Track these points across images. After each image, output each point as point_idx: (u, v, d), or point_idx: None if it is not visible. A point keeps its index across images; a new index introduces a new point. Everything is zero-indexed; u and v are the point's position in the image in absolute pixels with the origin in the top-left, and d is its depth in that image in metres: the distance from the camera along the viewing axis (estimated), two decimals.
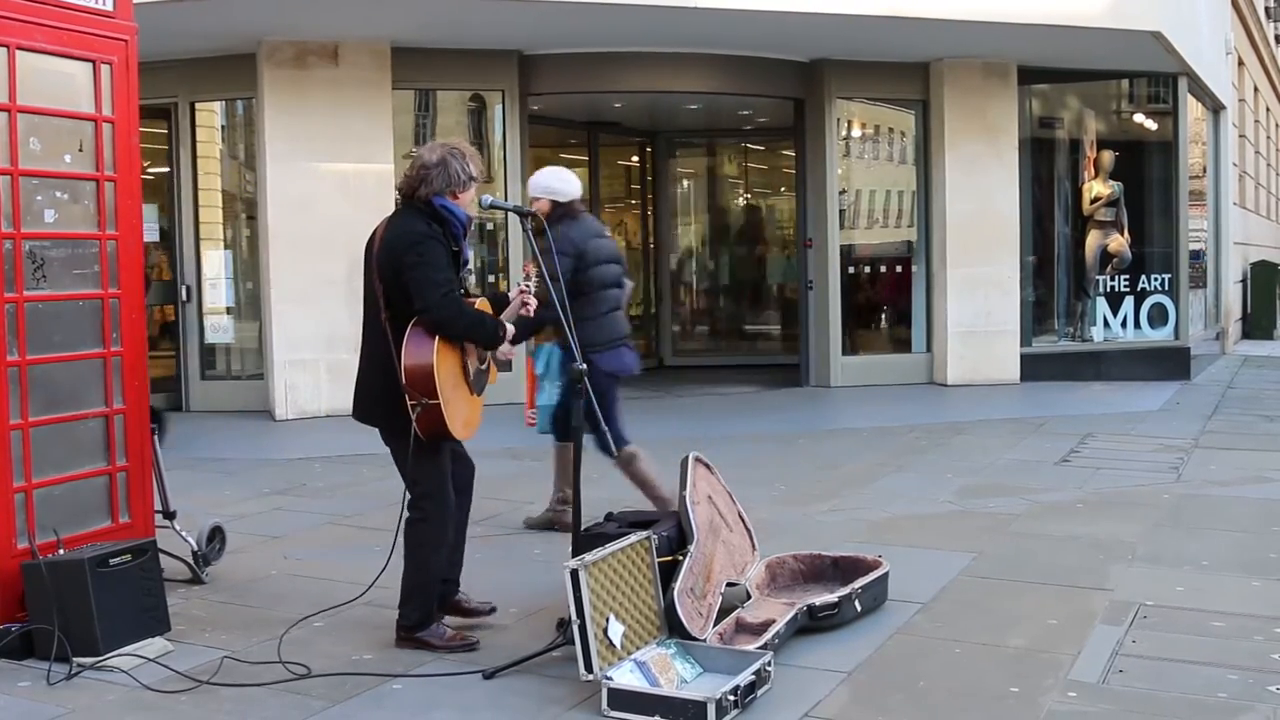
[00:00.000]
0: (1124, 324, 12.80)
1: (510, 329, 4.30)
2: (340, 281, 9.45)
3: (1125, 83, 13.65)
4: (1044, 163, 13.10)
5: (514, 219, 10.10)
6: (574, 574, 3.69)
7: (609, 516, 4.58)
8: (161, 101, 10.43)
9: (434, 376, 4.02)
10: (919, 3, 9.80)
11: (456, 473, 4.37)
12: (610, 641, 3.74)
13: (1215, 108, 15.16)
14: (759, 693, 3.70)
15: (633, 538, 4.02)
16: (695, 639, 3.99)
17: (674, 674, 3.80)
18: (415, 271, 4.04)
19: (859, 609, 4.48)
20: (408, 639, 4.26)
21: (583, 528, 4.15)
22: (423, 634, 4.24)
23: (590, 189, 13.52)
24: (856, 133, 12.69)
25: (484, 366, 4.32)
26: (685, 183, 15.65)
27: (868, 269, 12.62)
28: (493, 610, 4.49)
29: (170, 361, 10.80)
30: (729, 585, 4.47)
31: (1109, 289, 12.83)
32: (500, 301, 4.45)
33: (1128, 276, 12.84)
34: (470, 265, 4.48)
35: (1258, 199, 21.38)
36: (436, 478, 4.23)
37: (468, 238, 4.36)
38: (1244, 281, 17.90)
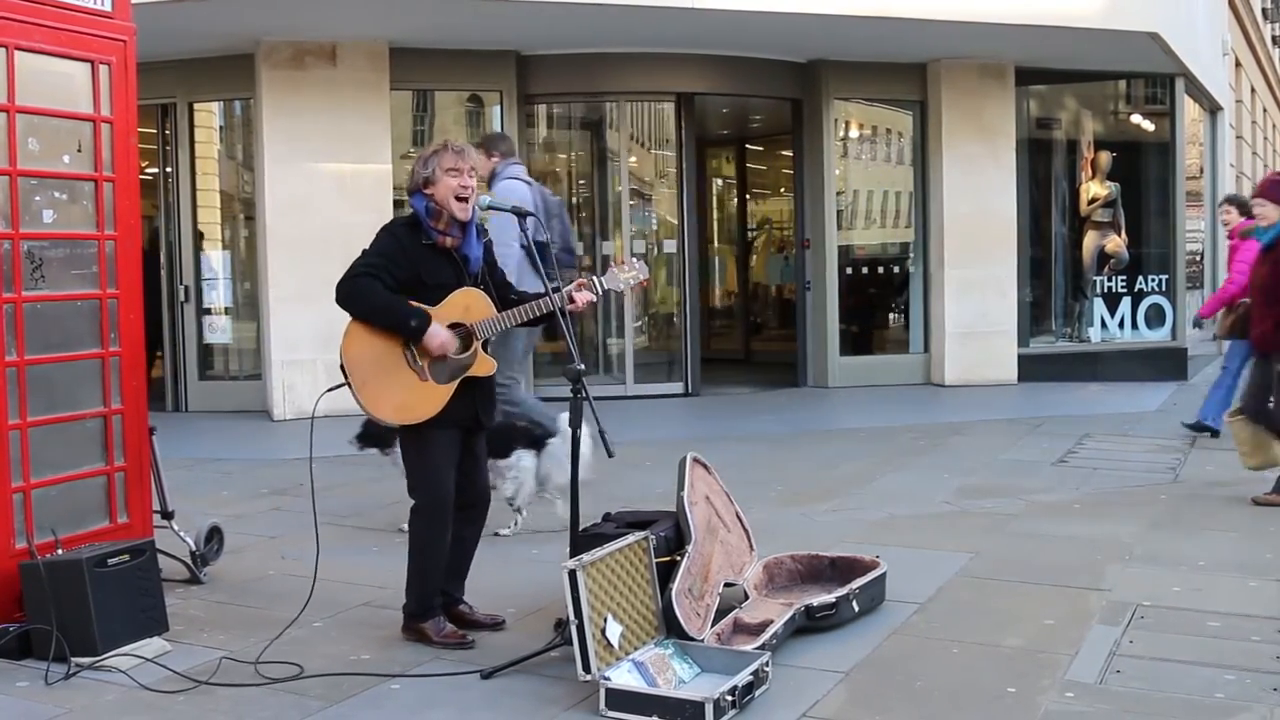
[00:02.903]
0: (1121, 324, 12.81)
1: (435, 331, 4.14)
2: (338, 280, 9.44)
3: (1122, 83, 13.67)
4: (1041, 163, 13.12)
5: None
6: (572, 574, 3.69)
7: (607, 517, 4.58)
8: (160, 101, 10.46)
9: (340, 354, 4.15)
10: (915, 3, 9.82)
11: (463, 488, 4.34)
12: (608, 642, 3.74)
13: (1212, 109, 15.18)
14: (757, 693, 3.70)
15: (630, 538, 4.03)
16: (693, 639, 3.99)
17: (672, 674, 3.81)
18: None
19: (856, 609, 4.48)
20: (408, 627, 4.34)
21: (580, 528, 4.17)
22: (421, 624, 4.30)
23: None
24: (854, 133, 12.70)
25: (462, 354, 4.25)
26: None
27: (865, 270, 12.63)
28: (500, 625, 4.46)
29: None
30: (727, 585, 4.47)
31: (1106, 289, 12.84)
32: (515, 303, 4.42)
33: (1125, 277, 12.86)
34: (478, 260, 4.43)
35: None
36: (421, 470, 4.26)
37: (465, 233, 4.32)
38: None
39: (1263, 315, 6.44)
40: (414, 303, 4.17)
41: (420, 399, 4.20)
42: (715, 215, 16.45)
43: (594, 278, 4.38)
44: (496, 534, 5.58)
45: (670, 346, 11.90)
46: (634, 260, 4.49)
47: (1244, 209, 8.56)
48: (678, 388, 11.51)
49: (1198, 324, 8.17)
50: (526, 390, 6.83)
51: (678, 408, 10.90)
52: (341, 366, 4.19)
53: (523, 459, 5.78)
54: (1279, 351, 6.36)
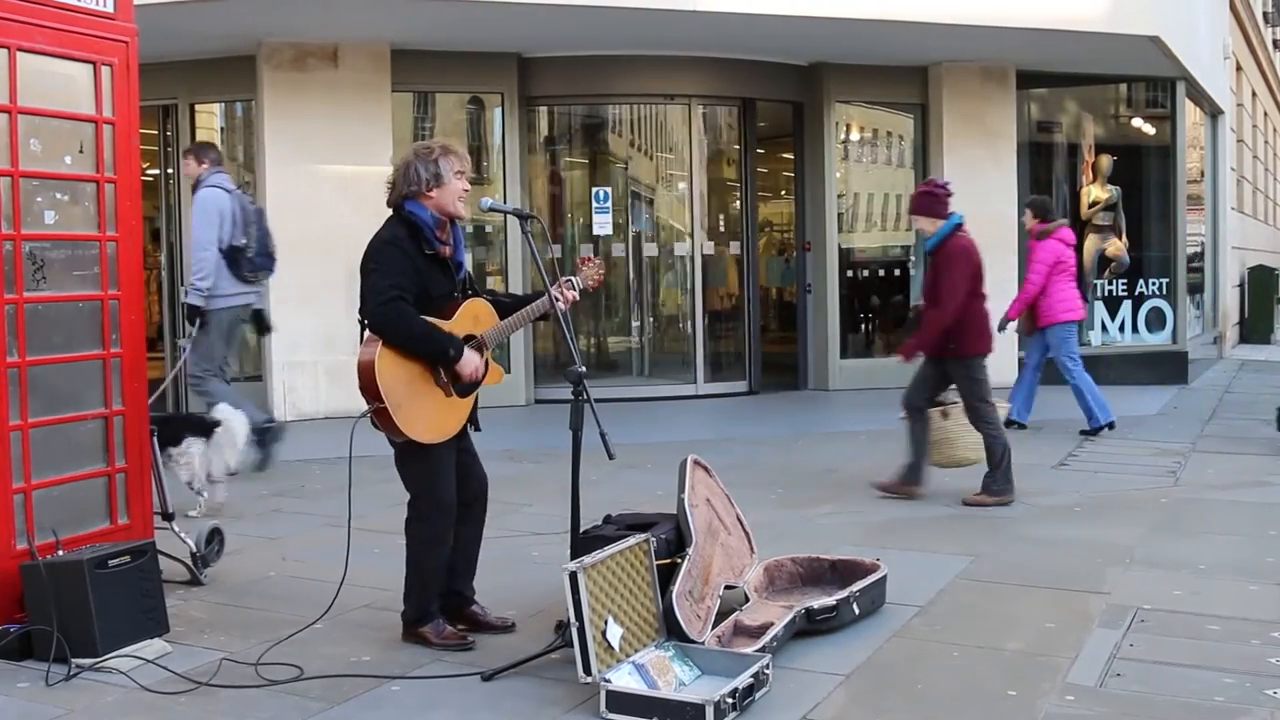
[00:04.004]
0: (1122, 328, 12.81)
1: (468, 357, 4.16)
2: (339, 283, 9.44)
3: (1123, 87, 13.68)
4: (1042, 167, 13.12)
5: (514, 221, 10.14)
6: (573, 576, 3.69)
7: (607, 519, 4.58)
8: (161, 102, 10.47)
9: (375, 378, 4.06)
10: (916, 6, 9.82)
11: (464, 484, 4.36)
12: (609, 644, 3.74)
13: (1213, 112, 15.18)
14: (757, 695, 3.70)
15: (631, 540, 4.03)
16: (693, 641, 3.99)
17: (672, 676, 3.81)
18: (366, 279, 4.16)
19: (857, 612, 4.48)
20: (408, 632, 4.33)
21: (581, 530, 4.17)
22: (421, 628, 4.30)
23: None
24: (855, 136, 12.70)
25: None
26: None
27: (866, 272, 12.62)
28: (510, 627, 4.45)
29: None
30: (727, 588, 4.47)
31: (1107, 293, 12.84)
32: (503, 305, 4.43)
33: (1125, 281, 12.86)
34: (465, 267, 4.45)
35: (1255, 204, 21.42)
36: (426, 478, 4.25)
37: (454, 239, 4.32)
38: (1241, 286, 17.93)
39: (929, 320, 6.69)
40: (432, 320, 4.15)
41: (448, 415, 4.23)
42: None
43: (570, 278, 4.42)
44: (186, 514, 5.91)
45: (733, 347, 12.14)
46: (595, 259, 4.57)
47: (1039, 211, 9.16)
48: (742, 386, 11.80)
49: (1002, 326, 8.91)
50: (224, 384, 7.47)
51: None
52: (364, 389, 4.09)
53: (192, 445, 6.11)
54: (965, 356, 6.68)
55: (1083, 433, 9.02)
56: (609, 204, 11.39)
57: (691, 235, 11.61)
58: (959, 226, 6.69)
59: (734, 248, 12.01)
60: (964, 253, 6.64)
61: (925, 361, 6.79)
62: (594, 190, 11.52)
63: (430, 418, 4.19)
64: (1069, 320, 9.10)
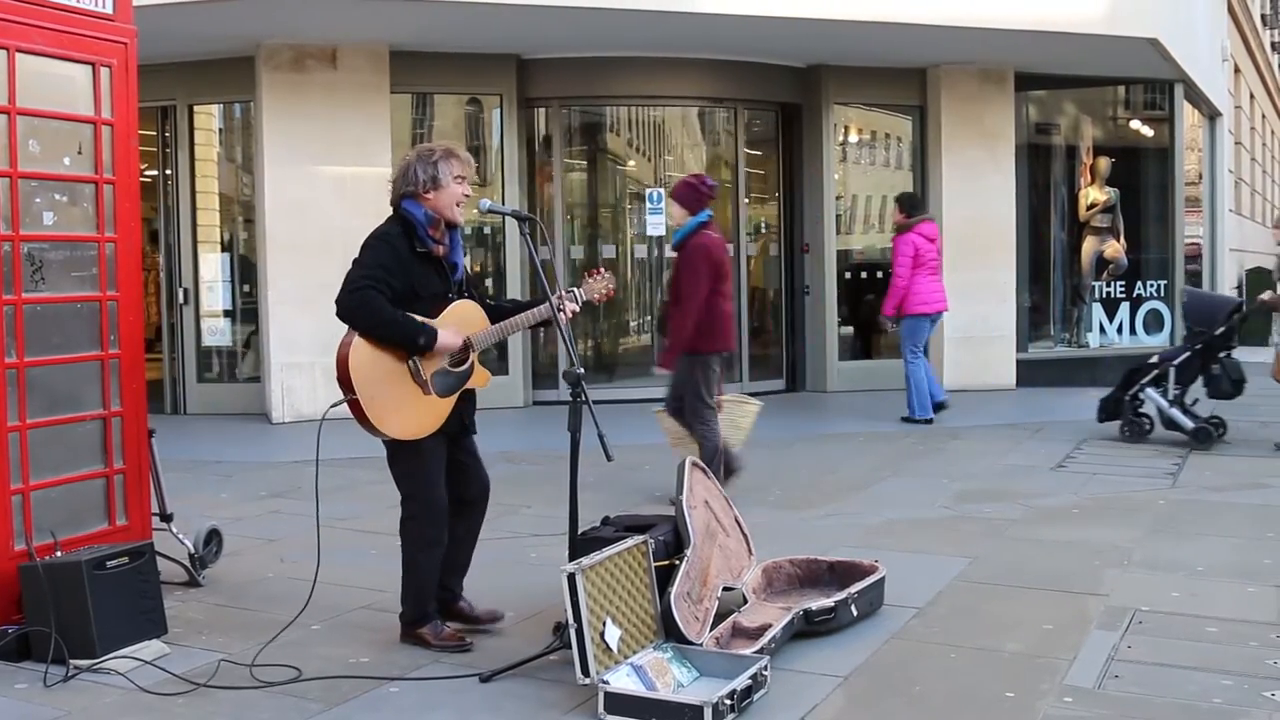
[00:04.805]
0: (1120, 330, 12.82)
1: (443, 339, 4.15)
2: (337, 284, 9.36)
3: (1122, 89, 13.69)
4: (1041, 169, 13.13)
5: (512, 223, 10.13)
6: (571, 578, 3.69)
7: (606, 520, 4.58)
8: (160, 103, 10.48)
9: (346, 370, 4.07)
10: (915, 8, 9.82)
11: (463, 484, 4.37)
12: (607, 645, 3.75)
13: (1211, 114, 15.19)
14: (755, 697, 3.71)
15: (629, 542, 4.03)
16: (692, 643, 4.00)
17: (671, 678, 3.81)
18: (349, 270, 4.18)
19: (855, 613, 4.48)
20: (407, 633, 4.34)
21: (579, 532, 4.17)
22: (420, 629, 4.31)
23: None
24: (854, 138, 12.70)
25: (459, 367, 4.27)
26: None
27: (864, 274, 12.62)
28: (498, 619, 4.48)
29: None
30: (725, 589, 4.47)
31: (1105, 295, 12.85)
32: (501, 310, 4.44)
33: (1123, 282, 12.87)
34: (462, 269, 4.45)
35: (1253, 206, 21.45)
36: (416, 478, 4.25)
37: (450, 240, 4.33)
38: (1239, 288, 17.94)
39: (675, 315, 6.65)
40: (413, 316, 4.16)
41: (424, 414, 4.21)
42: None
43: (574, 289, 4.43)
44: None
45: (771, 348, 12.31)
46: (604, 272, 4.58)
47: (904, 206, 9.76)
48: (780, 385, 11.99)
49: (884, 326, 9.30)
50: None
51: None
52: (340, 381, 4.11)
53: None
54: (693, 352, 6.57)
55: (903, 419, 9.68)
56: (662, 204, 11.32)
57: (736, 237, 11.61)
58: (704, 225, 6.67)
59: (771, 249, 12.20)
60: (704, 250, 6.62)
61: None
62: (647, 192, 11.55)
63: (404, 414, 4.16)
64: (921, 313, 9.54)
